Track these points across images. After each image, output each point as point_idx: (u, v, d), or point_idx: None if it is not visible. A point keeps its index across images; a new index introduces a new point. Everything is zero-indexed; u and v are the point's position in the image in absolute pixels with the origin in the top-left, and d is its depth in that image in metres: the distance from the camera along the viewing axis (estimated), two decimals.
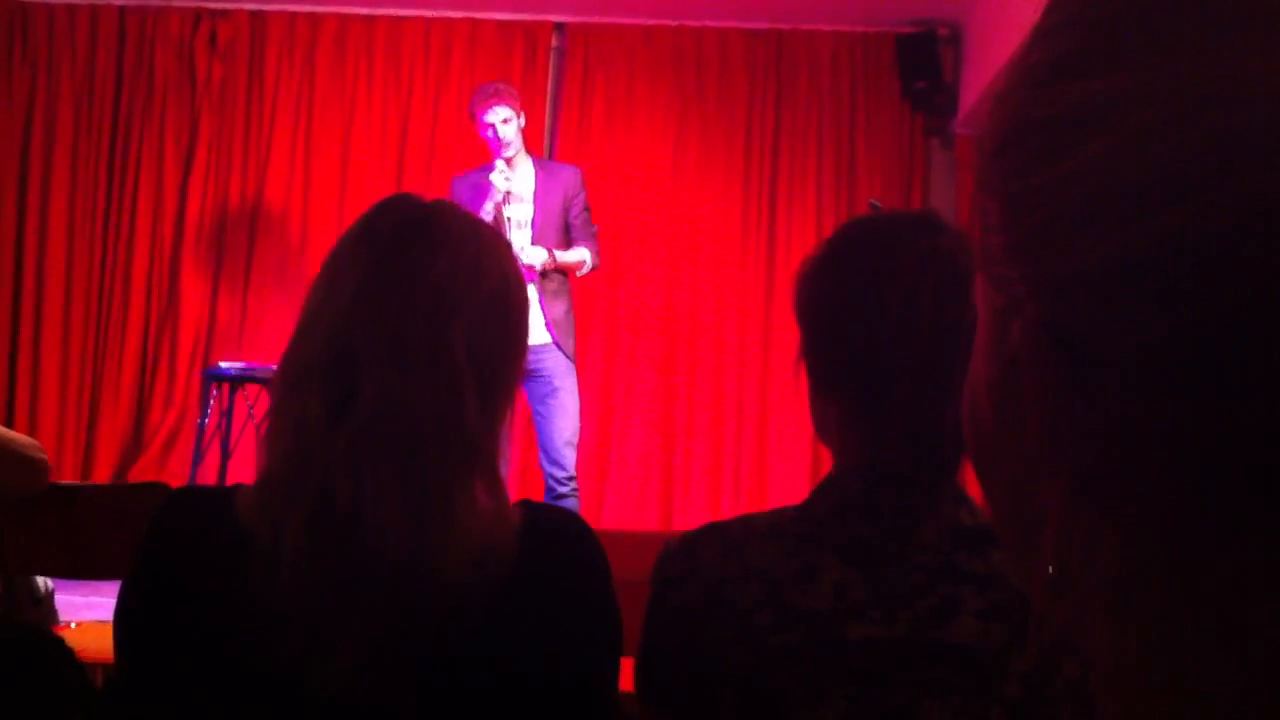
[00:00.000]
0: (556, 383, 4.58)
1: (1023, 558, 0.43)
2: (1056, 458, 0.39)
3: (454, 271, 1.12)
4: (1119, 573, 0.38)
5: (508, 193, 4.58)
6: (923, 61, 6.03)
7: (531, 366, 4.48)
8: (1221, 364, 0.34)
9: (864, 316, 1.11)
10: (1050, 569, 0.41)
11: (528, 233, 4.63)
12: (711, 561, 1.14)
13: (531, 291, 4.54)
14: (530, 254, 4.51)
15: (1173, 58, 0.35)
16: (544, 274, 4.56)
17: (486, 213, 4.48)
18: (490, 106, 4.60)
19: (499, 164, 4.60)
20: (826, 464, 1.20)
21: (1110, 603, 0.38)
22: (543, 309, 4.53)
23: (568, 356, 4.61)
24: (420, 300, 1.10)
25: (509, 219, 4.59)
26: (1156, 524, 0.37)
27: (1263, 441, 0.34)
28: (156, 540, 1.14)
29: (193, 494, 1.27)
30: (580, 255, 4.67)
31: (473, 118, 4.69)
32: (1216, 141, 0.34)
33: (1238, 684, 0.35)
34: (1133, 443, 0.36)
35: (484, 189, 4.58)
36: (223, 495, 1.15)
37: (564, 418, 4.59)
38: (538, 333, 4.48)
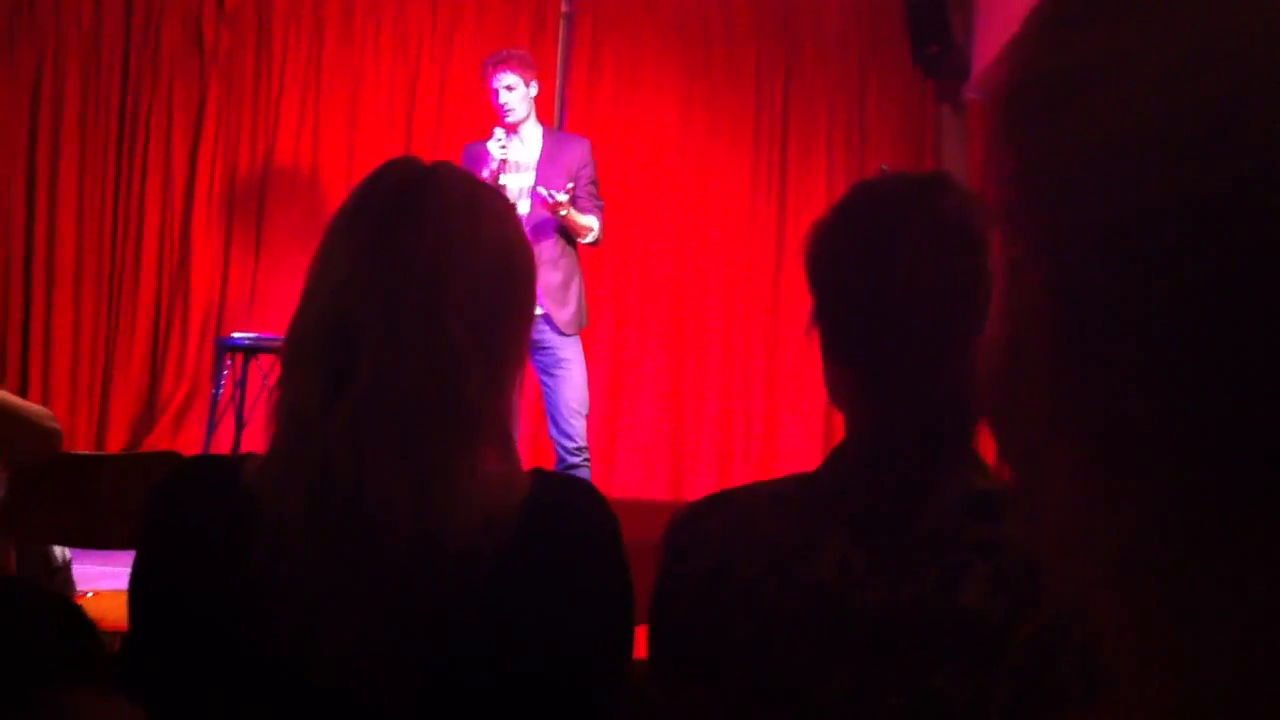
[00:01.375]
0: (560, 353, 4.57)
1: (1033, 518, 0.43)
2: (1066, 421, 0.39)
3: (448, 240, 1.11)
4: (1128, 539, 0.37)
5: (503, 161, 4.55)
6: (933, 26, 5.97)
7: (534, 336, 4.43)
8: (1227, 324, 0.33)
9: (874, 280, 1.10)
10: (1056, 535, 0.41)
11: (526, 202, 4.58)
12: (717, 531, 1.14)
13: None
14: (555, 194, 4.42)
15: (1180, 8, 0.34)
16: (539, 231, 4.50)
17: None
18: (496, 72, 4.59)
19: (498, 132, 4.57)
20: (838, 431, 1.19)
21: (1118, 570, 0.38)
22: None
23: (558, 329, 4.54)
24: (414, 270, 1.08)
25: (505, 187, 4.56)
26: (1167, 492, 0.36)
27: (1273, 409, 0.33)
28: (158, 510, 1.14)
29: (197, 463, 1.27)
30: (590, 221, 4.63)
31: (484, 79, 4.68)
32: (1221, 95, 0.33)
33: (1245, 657, 0.34)
34: (1142, 408, 0.36)
35: (485, 157, 4.56)
36: (229, 464, 1.15)
37: (570, 388, 4.58)
38: None
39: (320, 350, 1.08)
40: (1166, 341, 0.34)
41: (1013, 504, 0.46)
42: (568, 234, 4.65)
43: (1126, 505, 0.37)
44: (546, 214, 4.54)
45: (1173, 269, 0.33)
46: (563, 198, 4.44)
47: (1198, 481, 0.35)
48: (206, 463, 1.29)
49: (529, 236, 4.01)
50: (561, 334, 4.56)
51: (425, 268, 1.09)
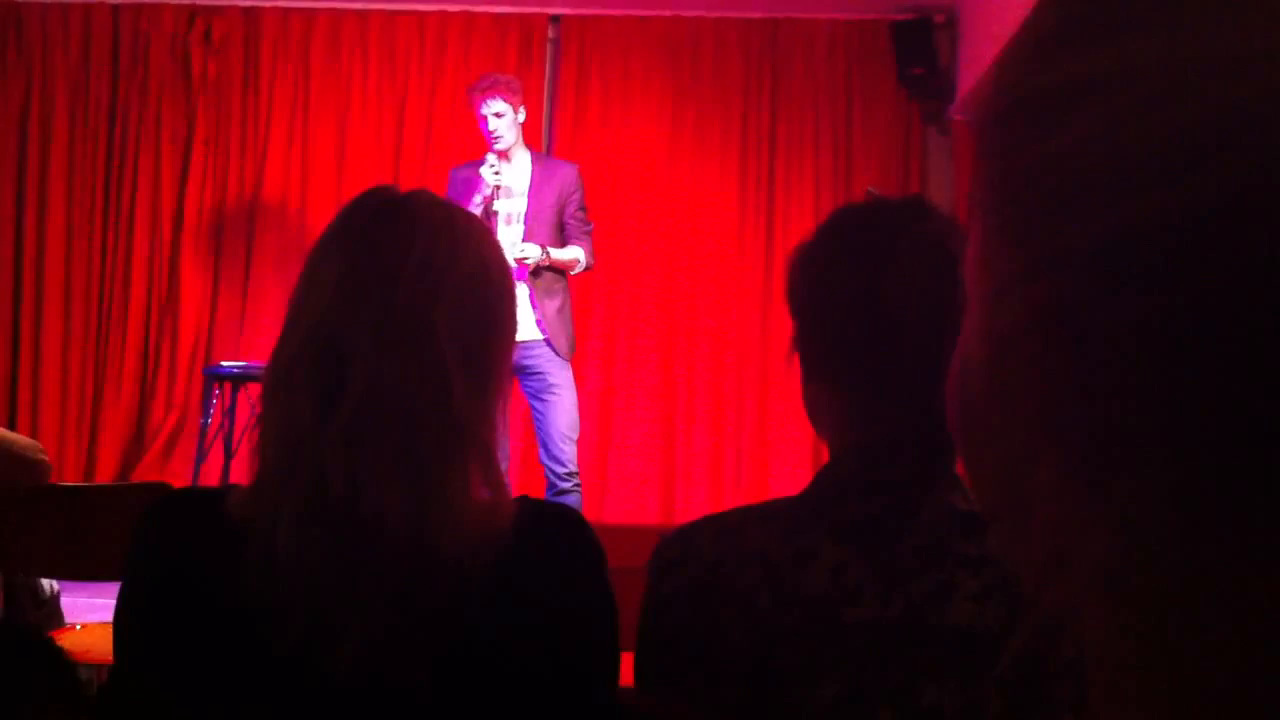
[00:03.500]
0: (551, 379, 4.58)
1: (1014, 540, 0.43)
2: (1049, 438, 0.39)
3: (431, 255, 1.12)
4: (1116, 548, 0.37)
5: (497, 187, 4.57)
6: (918, 48, 6.02)
7: (525, 363, 4.48)
8: (1215, 343, 0.33)
9: (855, 302, 1.12)
10: (1042, 551, 0.40)
11: (519, 228, 4.60)
12: (707, 546, 1.15)
13: (522, 289, 4.53)
14: (524, 250, 4.49)
15: (1171, 28, 0.35)
16: (536, 272, 4.55)
17: (475, 206, 4.47)
18: (485, 99, 4.60)
19: (489, 158, 4.59)
20: (827, 456, 1.20)
21: (1107, 579, 0.38)
22: (534, 306, 4.52)
23: (558, 353, 4.58)
24: (400, 285, 1.10)
25: (498, 213, 4.58)
26: (1153, 504, 0.36)
27: (1258, 424, 0.33)
28: (144, 542, 1.15)
29: (182, 494, 1.28)
30: (574, 254, 4.66)
31: (471, 106, 4.70)
32: (1211, 116, 0.33)
33: (1233, 670, 0.34)
34: (1128, 422, 0.36)
35: (475, 183, 4.57)
36: (212, 495, 1.16)
37: (560, 413, 4.59)
38: (528, 329, 4.47)
39: (311, 368, 1.09)
40: (1161, 356, 0.34)
41: (991, 523, 0.46)
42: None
43: (1112, 515, 0.37)
44: (540, 236, 4.56)
45: (1167, 288, 0.34)
46: (533, 254, 4.49)
47: (1188, 487, 0.35)
48: (191, 494, 1.30)
49: (523, 270, 4.03)
50: (558, 357, 4.58)
51: (412, 281, 1.11)
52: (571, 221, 4.67)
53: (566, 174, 4.73)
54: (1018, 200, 0.38)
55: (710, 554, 1.14)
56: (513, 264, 4.45)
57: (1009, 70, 0.40)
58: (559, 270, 4.66)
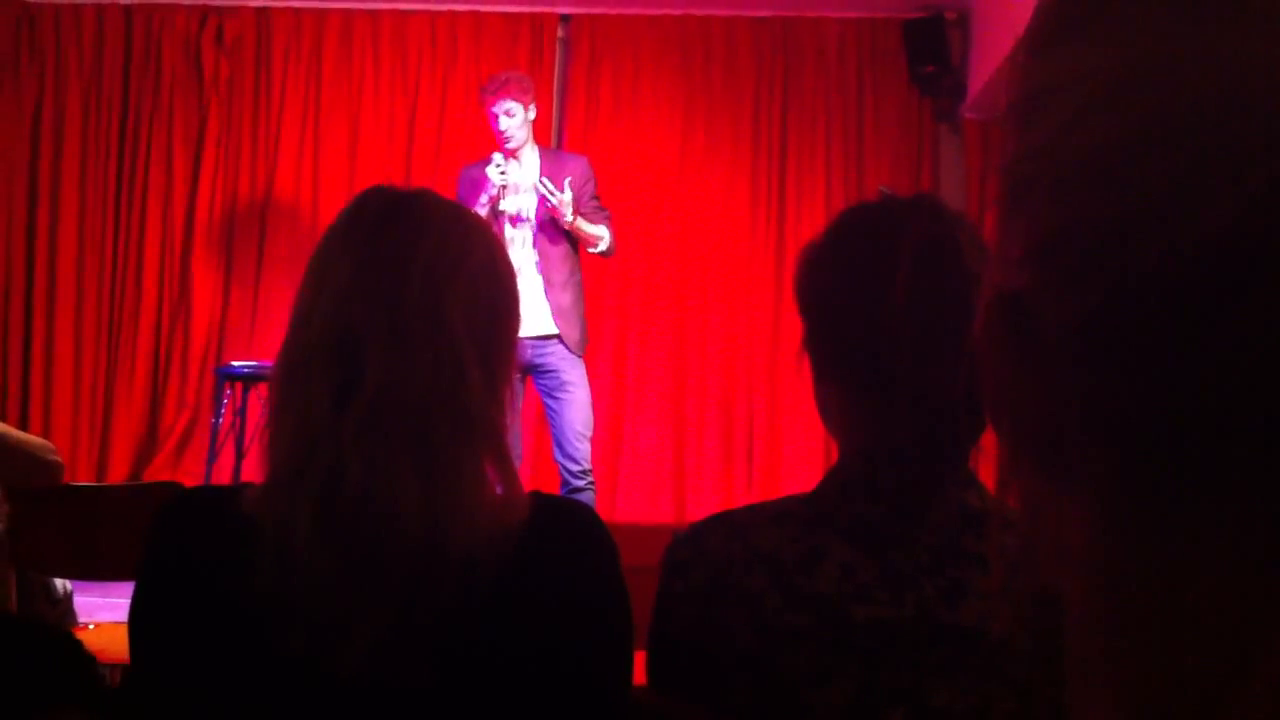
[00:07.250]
0: (564, 376, 4.57)
1: (1021, 524, 0.44)
2: (1002, 428, 0.40)
3: (442, 249, 1.13)
4: (1076, 540, 0.38)
5: (503, 186, 4.57)
6: (930, 46, 6.01)
7: (538, 359, 4.47)
8: (1138, 339, 0.34)
9: (865, 302, 1.11)
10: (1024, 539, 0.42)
11: (528, 225, 4.60)
12: (717, 547, 1.15)
13: (536, 282, 4.53)
14: (558, 198, 4.45)
15: (1115, 37, 0.36)
16: (544, 227, 4.54)
17: (481, 206, 4.46)
18: (496, 99, 4.60)
19: (496, 157, 4.59)
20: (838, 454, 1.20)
21: (1079, 566, 0.39)
22: (547, 299, 4.52)
23: (571, 349, 4.57)
24: (413, 279, 1.11)
25: (504, 212, 4.58)
26: (1102, 494, 0.37)
27: (1182, 417, 0.34)
28: (160, 541, 1.15)
29: (196, 493, 1.29)
30: (599, 230, 4.64)
31: (482, 106, 4.71)
32: (1140, 125, 0.34)
33: (1177, 663, 0.35)
34: (1075, 414, 0.37)
35: (482, 183, 4.57)
36: (227, 493, 1.16)
37: (575, 410, 4.58)
38: (543, 324, 4.47)
39: (324, 364, 1.09)
40: (1097, 351, 0.36)
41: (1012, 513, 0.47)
42: (574, 256, 4.66)
43: (1077, 501, 0.38)
44: (552, 231, 4.55)
45: (1093, 285, 0.35)
46: (566, 196, 4.44)
47: (1136, 474, 0.36)
48: (205, 493, 1.30)
49: (538, 259, 4.07)
50: (572, 353, 4.57)
51: (424, 273, 1.11)
52: (585, 210, 4.63)
53: (575, 167, 4.70)
54: (999, 199, 0.40)
55: (720, 555, 1.14)
56: (526, 232, 4.46)
57: (1009, 72, 0.41)
58: (576, 262, 4.66)
